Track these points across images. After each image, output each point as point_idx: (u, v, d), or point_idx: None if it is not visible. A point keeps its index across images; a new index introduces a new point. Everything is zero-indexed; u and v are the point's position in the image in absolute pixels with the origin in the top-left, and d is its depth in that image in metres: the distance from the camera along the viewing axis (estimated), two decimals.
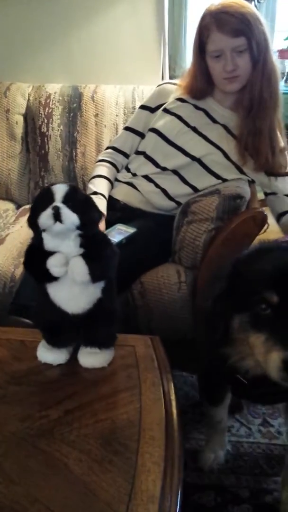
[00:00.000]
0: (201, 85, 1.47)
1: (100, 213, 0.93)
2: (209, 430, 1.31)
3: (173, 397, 0.88)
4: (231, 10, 1.33)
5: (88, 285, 0.90)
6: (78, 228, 0.87)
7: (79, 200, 0.88)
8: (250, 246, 1.04)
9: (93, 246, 0.90)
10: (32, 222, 0.89)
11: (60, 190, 0.87)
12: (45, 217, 0.85)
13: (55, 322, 0.94)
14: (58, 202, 0.86)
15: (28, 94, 1.95)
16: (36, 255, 0.91)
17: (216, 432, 1.29)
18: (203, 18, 1.39)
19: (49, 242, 0.88)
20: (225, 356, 0.98)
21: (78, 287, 0.89)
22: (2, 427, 0.81)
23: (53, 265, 0.87)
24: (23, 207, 1.93)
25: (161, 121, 1.53)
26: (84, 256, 0.88)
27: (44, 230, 0.87)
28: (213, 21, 1.34)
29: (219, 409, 1.24)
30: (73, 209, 0.86)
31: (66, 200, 0.86)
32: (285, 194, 1.50)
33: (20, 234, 1.62)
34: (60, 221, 0.84)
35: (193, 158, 1.47)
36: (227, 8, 1.34)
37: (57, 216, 0.84)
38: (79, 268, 0.87)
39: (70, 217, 0.85)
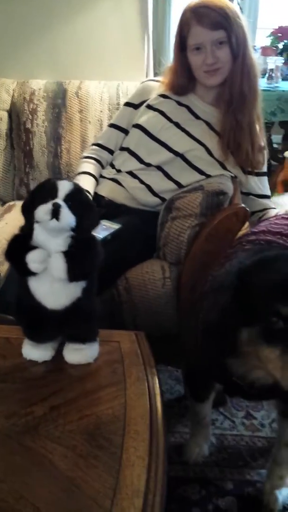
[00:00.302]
0: (183, 81, 1.49)
1: (98, 219, 0.92)
2: (194, 425, 1.32)
3: (157, 391, 0.89)
4: (210, 4, 1.36)
5: (68, 283, 0.89)
6: (73, 229, 0.86)
7: (81, 201, 0.87)
8: (250, 254, 0.99)
9: (78, 246, 0.88)
10: (27, 211, 0.87)
11: (64, 187, 0.86)
12: (43, 211, 0.83)
13: (34, 316, 0.92)
14: (60, 199, 0.85)
15: (13, 90, 1.94)
16: (20, 246, 0.89)
17: (200, 426, 1.31)
18: (183, 14, 1.42)
19: (39, 235, 0.87)
20: (228, 366, 0.95)
21: (58, 283, 0.88)
22: None
23: (32, 260, 0.86)
24: (7, 204, 1.92)
25: (144, 117, 1.54)
26: (66, 254, 0.87)
27: (37, 222, 0.86)
28: (193, 15, 1.38)
29: (204, 405, 1.25)
30: (73, 209, 0.85)
31: (68, 199, 0.85)
32: (257, 194, 1.54)
33: (5, 231, 1.61)
34: (57, 219, 0.83)
35: (176, 153, 1.48)
36: (206, 3, 1.37)
37: (55, 213, 0.83)
38: (58, 265, 0.86)
39: (68, 218, 0.84)
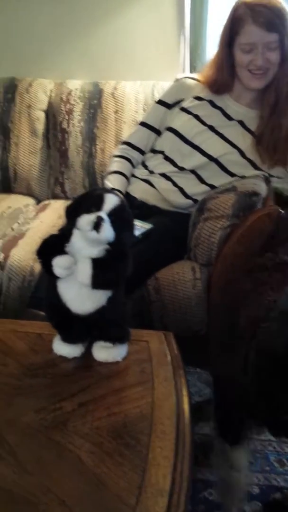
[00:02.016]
0: (224, 78, 1.46)
1: (134, 237, 0.93)
2: (225, 482, 1.04)
3: (185, 392, 0.89)
4: (268, 4, 1.32)
5: (95, 290, 0.90)
6: (109, 243, 0.88)
7: (123, 218, 0.88)
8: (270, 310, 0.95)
9: (108, 255, 0.89)
10: (71, 214, 0.89)
11: (110, 202, 0.87)
12: (86, 221, 0.85)
13: (63, 316, 0.94)
14: (104, 212, 0.86)
15: (50, 90, 1.98)
16: (52, 246, 0.91)
17: (234, 482, 1.03)
18: (236, 9, 1.37)
19: (77, 240, 0.89)
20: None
21: (86, 289, 0.90)
22: (18, 418, 0.83)
23: (57, 265, 0.88)
24: (43, 202, 1.96)
25: (179, 121, 1.53)
26: (95, 261, 0.88)
27: (78, 228, 0.88)
28: (249, 12, 1.33)
29: (240, 449, 1.01)
30: (114, 225, 0.86)
31: (111, 214, 0.86)
32: None
33: (39, 229, 1.65)
34: (98, 231, 0.84)
35: (210, 158, 1.47)
36: (263, 1, 1.32)
37: (97, 226, 0.84)
38: (84, 270, 0.88)
39: (108, 233, 0.86)
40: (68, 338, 0.98)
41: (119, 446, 0.79)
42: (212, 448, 1.19)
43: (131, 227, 0.94)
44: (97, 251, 0.88)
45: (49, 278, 0.93)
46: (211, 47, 1.99)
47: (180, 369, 0.95)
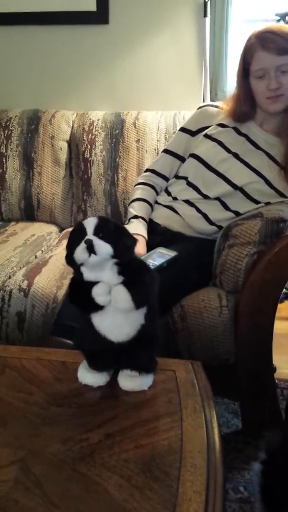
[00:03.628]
0: (245, 108, 1.48)
1: (133, 239, 0.93)
2: None
3: (215, 424, 0.86)
4: (276, 30, 1.36)
5: (131, 312, 0.90)
6: (113, 256, 0.88)
7: (110, 229, 0.89)
8: None
9: (132, 273, 0.90)
10: (69, 259, 0.90)
11: (90, 223, 0.88)
12: (80, 251, 0.86)
13: (96, 348, 0.95)
14: (90, 235, 0.87)
15: (72, 121, 2.02)
16: (79, 288, 0.92)
17: None
18: (248, 41, 1.42)
19: (88, 275, 0.90)
20: None
21: (121, 315, 0.90)
22: (44, 448, 0.81)
23: (98, 294, 0.88)
24: (65, 230, 1.98)
25: (202, 147, 1.53)
26: (125, 283, 0.88)
27: (81, 264, 0.89)
28: (258, 41, 1.37)
29: None
30: (105, 239, 0.87)
31: (97, 232, 0.87)
32: None
33: (62, 256, 1.64)
34: (94, 253, 0.85)
35: (235, 186, 1.46)
36: (272, 28, 1.37)
37: (90, 249, 0.85)
38: (122, 296, 0.88)
39: (103, 248, 0.86)
40: (96, 367, 0.96)
41: (148, 480, 0.76)
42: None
43: (121, 231, 0.93)
44: (111, 271, 0.88)
45: (82, 317, 0.94)
46: (231, 77, 2.03)
47: (210, 399, 0.92)
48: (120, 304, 0.88)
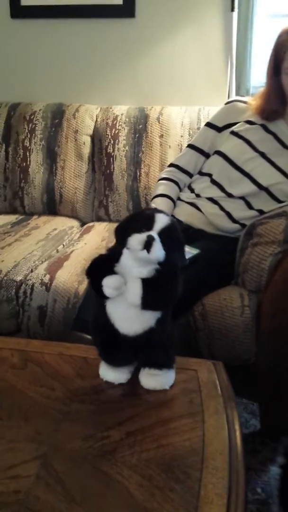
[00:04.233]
0: (274, 106, 1.45)
1: (185, 260, 0.92)
2: None
3: (237, 426, 0.85)
4: None
5: (143, 311, 0.88)
6: (159, 263, 0.86)
7: (173, 238, 0.87)
8: None
9: (159, 276, 0.88)
10: (121, 235, 0.89)
11: (161, 221, 0.86)
12: (137, 241, 0.84)
13: (109, 337, 0.93)
14: (154, 232, 0.85)
15: (96, 115, 2.02)
16: (101, 267, 0.91)
17: None
18: (279, 37, 1.39)
19: (126, 260, 0.88)
20: None
21: (134, 310, 0.88)
22: (65, 445, 0.82)
23: (107, 285, 0.87)
24: (87, 225, 1.98)
25: (229, 144, 1.51)
26: (145, 281, 0.87)
27: (128, 248, 0.87)
28: None
29: None
30: (165, 245, 0.85)
31: (162, 233, 0.85)
32: None
33: (84, 251, 1.66)
34: (148, 251, 0.84)
35: (260, 186, 1.44)
36: None
37: (147, 246, 0.84)
38: (134, 290, 0.87)
39: (158, 252, 0.84)
40: (113, 362, 0.96)
41: (169, 481, 0.75)
42: None
43: (182, 247, 0.92)
44: (146, 271, 0.87)
45: (97, 298, 0.92)
46: (255, 73, 1.99)
47: (232, 401, 0.92)
48: (129, 296, 0.87)
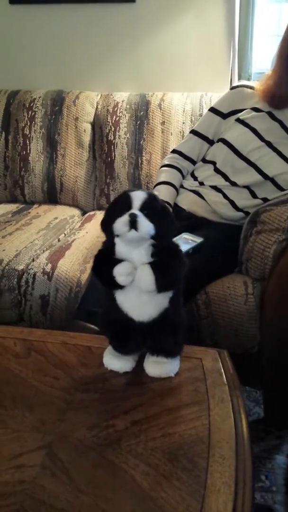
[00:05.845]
0: (284, 92, 1.41)
1: (176, 224, 0.91)
2: None
3: (243, 415, 0.85)
4: None
5: (156, 294, 0.88)
6: (153, 237, 0.85)
7: (156, 209, 0.86)
8: None
9: (163, 256, 0.87)
10: (106, 226, 0.88)
11: (138, 197, 0.85)
12: (121, 224, 0.83)
13: (121, 328, 0.92)
14: (135, 209, 0.84)
15: (97, 102, 1.99)
16: (105, 260, 0.90)
17: None
18: None
19: (121, 248, 0.87)
20: None
21: (146, 295, 0.87)
22: (70, 434, 0.81)
23: (119, 273, 0.86)
24: (88, 214, 1.97)
25: (234, 132, 1.48)
26: (152, 265, 0.86)
27: (117, 236, 0.86)
28: None
29: None
30: (150, 218, 0.84)
31: (144, 208, 0.84)
32: None
33: (85, 239, 1.65)
34: (136, 229, 0.82)
35: (265, 176, 1.42)
36: None
37: (133, 224, 0.82)
38: (146, 277, 0.85)
39: (146, 226, 0.83)
40: (123, 350, 0.95)
41: (175, 469, 0.75)
42: None
43: (168, 214, 0.90)
44: (144, 251, 0.86)
45: (106, 292, 0.91)
46: (256, 58, 1.96)
47: (237, 389, 0.91)
48: (143, 284, 0.85)
